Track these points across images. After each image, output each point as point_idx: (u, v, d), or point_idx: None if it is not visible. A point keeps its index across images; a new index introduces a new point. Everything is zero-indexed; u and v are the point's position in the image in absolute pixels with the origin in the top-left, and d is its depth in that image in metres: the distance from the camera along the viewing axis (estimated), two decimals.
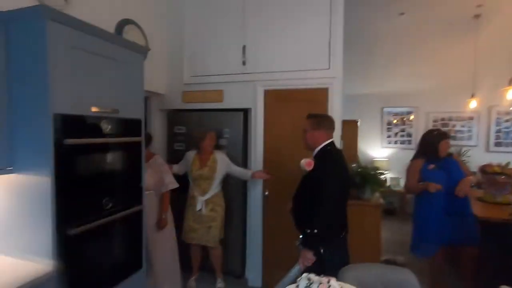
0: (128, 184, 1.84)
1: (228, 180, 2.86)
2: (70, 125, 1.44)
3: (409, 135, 5.52)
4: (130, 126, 1.83)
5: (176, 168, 2.77)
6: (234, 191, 2.89)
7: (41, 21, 1.31)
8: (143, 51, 1.90)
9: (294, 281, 1.84)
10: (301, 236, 1.83)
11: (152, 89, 2.92)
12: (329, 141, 1.91)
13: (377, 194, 3.18)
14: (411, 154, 3.16)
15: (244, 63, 2.77)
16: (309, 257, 1.74)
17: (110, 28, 2.33)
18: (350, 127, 4.40)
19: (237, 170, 2.71)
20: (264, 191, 2.79)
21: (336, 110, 2.56)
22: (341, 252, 1.87)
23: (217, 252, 2.76)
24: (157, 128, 3.16)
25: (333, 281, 0.93)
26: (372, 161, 5.16)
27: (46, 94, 1.32)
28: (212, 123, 2.94)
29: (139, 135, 1.89)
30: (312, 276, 0.97)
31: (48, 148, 1.34)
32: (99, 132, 1.60)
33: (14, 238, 1.46)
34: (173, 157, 3.10)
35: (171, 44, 3.04)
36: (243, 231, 2.95)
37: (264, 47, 2.71)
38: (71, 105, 1.43)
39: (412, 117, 5.48)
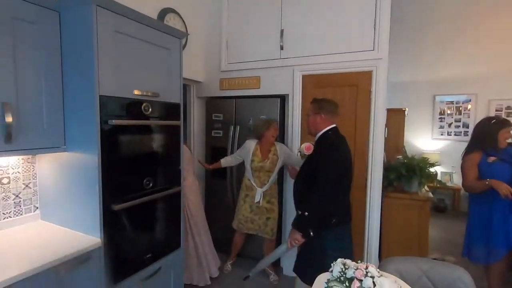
0: (168, 166, 1.91)
1: None
2: (115, 107, 1.52)
3: (466, 125, 4.97)
4: (170, 110, 1.88)
5: (229, 159, 2.74)
6: None
7: (89, 7, 1.38)
8: (182, 35, 1.93)
9: (279, 259, 1.97)
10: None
11: (191, 77, 3.00)
12: (331, 126, 1.85)
13: (425, 188, 2.93)
14: None
15: (282, 47, 2.70)
16: (297, 237, 1.73)
17: (153, 16, 2.41)
18: (397, 116, 4.08)
19: (296, 160, 2.54)
20: None
21: (381, 96, 2.38)
22: (339, 241, 1.78)
23: (272, 244, 2.72)
24: (196, 115, 3.24)
25: (371, 268, 0.85)
26: (421, 154, 4.76)
27: (93, 77, 1.41)
28: (248, 110, 2.93)
29: (178, 119, 1.95)
30: (349, 261, 0.90)
31: (95, 129, 1.43)
32: (141, 115, 1.67)
33: (68, 211, 1.60)
34: (211, 144, 3.17)
35: (210, 32, 3.07)
36: (279, 218, 2.92)
37: (302, 30, 2.60)
38: (115, 88, 1.51)
39: (469, 106, 4.92)
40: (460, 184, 4.79)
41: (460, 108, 5.01)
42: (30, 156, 1.69)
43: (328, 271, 1.60)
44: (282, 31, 2.68)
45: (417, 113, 5.10)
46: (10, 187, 1.61)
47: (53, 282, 1.28)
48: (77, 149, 1.52)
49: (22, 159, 1.66)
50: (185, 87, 3.23)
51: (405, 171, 2.70)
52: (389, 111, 3.44)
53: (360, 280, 0.82)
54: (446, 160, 4.96)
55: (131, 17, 1.57)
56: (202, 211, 2.72)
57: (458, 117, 5.03)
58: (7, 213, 1.60)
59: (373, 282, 0.80)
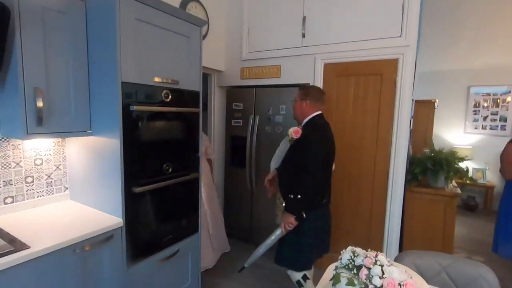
0: (187, 152, 1.96)
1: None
2: (136, 93, 1.57)
3: (503, 119, 4.63)
4: (189, 98, 1.91)
5: (274, 162, 2.19)
6: None
7: None
8: (202, 23, 1.94)
9: (274, 244, 1.93)
10: (284, 204, 1.85)
11: (212, 66, 3.02)
12: (317, 113, 1.91)
13: (453, 184, 2.78)
14: (503, 142, 2.67)
15: (303, 35, 2.63)
16: (291, 221, 1.77)
17: (175, 5, 2.44)
18: (425, 108, 3.88)
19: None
20: None
21: (407, 85, 2.26)
22: (323, 220, 1.94)
23: None
24: (217, 104, 3.27)
25: (381, 256, 0.83)
26: (451, 148, 4.52)
27: (115, 64, 1.46)
28: (268, 99, 2.92)
29: (197, 106, 1.98)
30: (359, 249, 0.88)
31: (117, 114, 1.49)
32: (161, 101, 1.72)
33: (93, 192, 1.70)
34: (231, 133, 3.20)
35: (231, 21, 3.06)
36: None
37: (325, 17, 2.52)
38: (136, 74, 1.55)
39: (509, 98, 4.56)
40: (494, 182, 4.52)
41: (498, 101, 4.66)
42: (60, 140, 1.80)
43: (305, 251, 1.71)
44: (304, 18, 2.61)
45: (448, 105, 4.81)
46: (42, 167, 1.73)
47: (78, 257, 1.37)
48: (101, 134, 1.60)
49: (53, 142, 1.77)
50: (206, 76, 3.26)
51: (431, 164, 2.58)
52: (417, 102, 3.27)
53: (369, 268, 0.80)
54: (479, 155, 4.66)
55: (152, 5, 1.60)
56: (214, 191, 2.75)
57: (495, 110, 4.69)
58: (40, 191, 1.73)
59: (382, 270, 0.78)
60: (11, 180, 1.60)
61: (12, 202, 1.61)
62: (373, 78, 2.38)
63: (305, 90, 1.96)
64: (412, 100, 2.37)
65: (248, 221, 3.18)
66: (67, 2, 1.47)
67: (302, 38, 2.65)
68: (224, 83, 3.20)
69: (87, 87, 1.59)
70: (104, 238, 1.48)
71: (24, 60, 1.33)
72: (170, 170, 1.82)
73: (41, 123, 1.40)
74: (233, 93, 3.17)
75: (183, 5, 2.56)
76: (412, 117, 2.53)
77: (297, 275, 1.91)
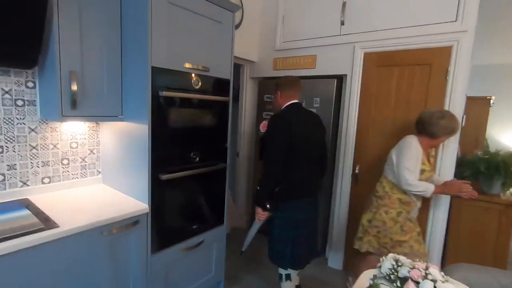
0: (214, 142, 1.91)
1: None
2: (166, 79, 1.54)
3: None
4: (219, 86, 1.86)
5: (415, 173, 1.81)
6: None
7: None
8: (235, 8, 1.86)
9: (254, 237, 1.88)
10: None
11: (245, 56, 2.94)
12: (290, 102, 1.83)
13: (510, 191, 2.44)
14: None
15: (342, 22, 2.45)
16: (259, 212, 1.78)
17: None
18: (478, 105, 3.46)
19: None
20: (354, 168, 2.50)
21: (460, 77, 2.00)
22: (297, 211, 1.79)
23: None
24: (248, 96, 3.20)
25: (434, 269, 0.69)
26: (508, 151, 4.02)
27: (146, 48, 1.44)
28: (302, 91, 2.76)
29: (227, 95, 1.92)
30: (403, 258, 0.75)
31: (146, 99, 1.47)
32: (190, 88, 1.68)
33: (123, 177, 1.72)
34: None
35: (266, 9, 2.96)
36: (328, 207, 2.77)
37: (367, 1, 2.31)
38: (167, 60, 1.52)
39: None
40: None
41: None
42: (94, 124, 1.84)
43: (279, 244, 1.72)
44: (344, 4, 2.43)
45: (508, 104, 4.27)
46: (77, 151, 1.79)
47: (105, 239, 1.38)
48: (131, 119, 1.60)
49: (88, 126, 1.82)
50: (238, 67, 3.20)
51: (485, 168, 2.27)
52: (469, 99, 2.92)
53: (417, 282, 0.67)
54: None
55: None
56: None
57: None
58: (74, 174, 1.79)
59: (434, 286, 0.65)
60: (49, 161, 1.66)
61: (49, 182, 1.68)
62: (420, 69, 2.14)
63: (276, 81, 1.91)
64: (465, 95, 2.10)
65: None
66: None
67: (340, 26, 2.47)
68: (256, 74, 3.12)
69: (119, 72, 1.60)
70: (130, 223, 1.48)
71: (60, 43, 1.35)
72: (198, 159, 1.78)
73: (75, 106, 1.42)
74: (265, 85, 3.08)
75: None
76: (464, 114, 2.25)
77: (280, 270, 1.90)
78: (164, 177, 1.59)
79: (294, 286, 1.94)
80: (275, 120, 1.75)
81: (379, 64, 2.31)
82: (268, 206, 1.74)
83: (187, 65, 1.64)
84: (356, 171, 2.48)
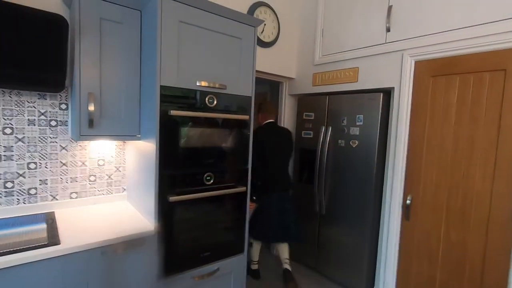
0: (233, 163, 1.79)
1: (356, 180, 2.36)
2: (176, 97, 1.51)
3: None
4: (238, 104, 1.76)
5: None
6: (364, 194, 2.33)
7: None
8: (256, 23, 1.78)
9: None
10: None
11: (283, 73, 2.83)
12: (267, 121, 2.59)
13: None
14: None
15: (388, 29, 2.14)
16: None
17: (243, 11, 2.39)
18: None
19: None
20: (405, 198, 2.08)
21: None
22: (269, 203, 2.47)
23: None
24: (287, 114, 3.05)
25: None
26: None
27: (154, 67, 1.43)
28: (343, 108, 2.50)
29: (247, 113, 1.80)
30: None
31: (155, 118, 1.45)
32: (204, 107, 1.61)
33: (139, 195, 1.72)
34: (300, 146, 2.89)
35: (304, 23, 2.82)
36: (375, 244, 2.35)
37: (417, 2, 1.98)
38: (178, 78, 1.50)
39: None
40: None
41: None
42: (122, 143, 1.92)
43: (256, 224, 2.41)
44: (390, 8, 2.13)
45: None
46: (104, 168, 1.87)
47: (106, 259, 1.36)
48: (145, 138, 1.60)
49: (116, 145, 1.90)
50: (277, 84, 3.09)
51: None
52: None
53: None
54: None
55: (198, 6, 1.53)
56: None
57: None
58: (100, 190, 1.87)
59: None
60: (77, 177, 1.77)
61: (76, 197, 1.78)
62: (491, 76, 1.69)
63: (259, 106, 2.60)
64: None
65: (314, 246, 2.77)
66: (123, 12, 1.55)
67: (386, 33, 2.17)
68: (295, 91, 2.95)
69: (138, 93, 1.64)
70: (134, 245, 1.43)
71: (81, 67, 1.44)
72: (212, 181, 1.68)
73: (92, 126, 1.48)
74: (304, 102, 2.88)
75: (251, 10, 2.48)
76: None
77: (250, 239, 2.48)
78: (172, 198, 1.52)
79: (257, 250, 2.68)
80: (255, 134, 2.02)
81: (434, 73, 1.92)
82: (254, 198, 2.38)
83: (203, 83, 1.58)
84: (408, 202, 2.05)
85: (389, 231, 2.17)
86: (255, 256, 2.70)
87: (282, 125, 3.04)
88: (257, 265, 2.70)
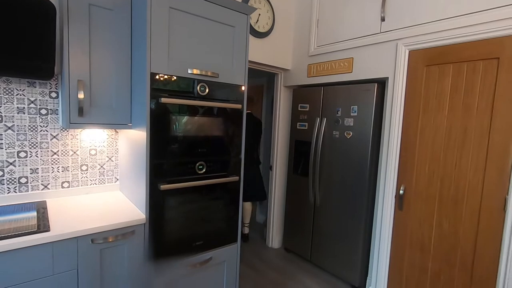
0: (226, 152, 1.79)
1: (350, 171, 2.36)
2: (166, 85, 1.50)
3: None
4: (230, 92, 1.75)
5: None
6: (358, 185, 2.34)
7: None
8: (249, 10, 1.76)
9: None
10: None
11: (278, 64, 2.81)
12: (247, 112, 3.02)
13: None
14: None
15: (383, 18, 2.12)
16: None
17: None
18: None
19: None
20: (398, 188, 2.08)
21: None
22: (250, 176, 3.10)
23: None
24: (282, 106, 3.03)
25: None
26: None
27: (144, 54, 1.41)
28: (337, 99, 2.49)
29: (240, 102, 1.79)
30: None
31: (145, 106, 1.44)
32: (195, 95, 1.60)
33: (131, 185, 1.71)
34: (295, 137, 2.89)
35: (299, 13, 2.79)
36: (369, 235, 2.37)
37: None
38: (169, 66, 1.48)
39: None
40: None
41: None
42: (113, 132, 1.91)
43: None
44: None
45: None
46: (96, 158, 1.86)
47: (95, 248, 1.35)
48: (136, 127, 1.59)
49: (107, 134, 1.89)
50: (272, 76, 3.07)
51: None
52: None
53: None
54: None
55: None
56: None
57: None
58: (93, 180, 1.86)
59: None
60: (68, 166, 1.76)
61: (68, 186, 1.77)
62: (484, 64, 1.68)
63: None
64: None
65: (308, 237, 2.79)
66: None
67: (381, 23, 2.15)
68: (290, 82, 2.94)
69: (129, 81, 1.62)
70: (125, 233, 1.43)
71: (70, 54, 1.43)
72: (204, 170, 1.68)
73: (82, 114, 1.47)
74: (299, 93, 2.86)
75: (246, 0, 2.45)
76: None
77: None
78: (163, 187, 1.51)
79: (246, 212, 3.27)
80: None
81: (428, 62, 1.91)
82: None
83: (195, 71, 1.57)
84: (401, 192, 2.05)
85: (382, 221, 2.18)
86: (246, 218, 3.27)
87: (274, 116, 3.05)
88: (247, 228, 3.29)
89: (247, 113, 2.79)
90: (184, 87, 1.56)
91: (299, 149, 2.87)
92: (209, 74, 1.63)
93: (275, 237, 3.17)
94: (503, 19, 1.59)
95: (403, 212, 2.06)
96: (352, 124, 2.39)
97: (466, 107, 1.75)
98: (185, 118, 1.59)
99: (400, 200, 2.07)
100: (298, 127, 2.87)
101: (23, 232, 1.21)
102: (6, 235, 1.17)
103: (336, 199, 2.52)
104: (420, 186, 1.97)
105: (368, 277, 2.38)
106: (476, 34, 1.69)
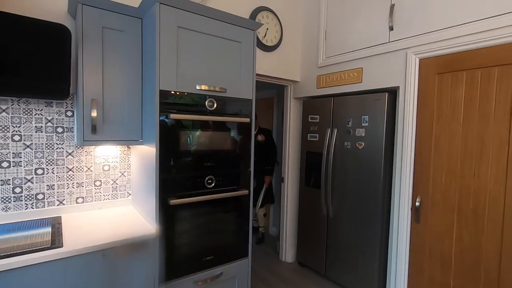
0: (235, 166, 1.79)
1: (364, 183, 2.30)
2: (175, 102, 1.53)
3: None
4: (238, 107, 1.77)
5: None
6: (372, 197, 2.27)
7: (154, 4, 1.45)
8: (255, 26, 1.79)
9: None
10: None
11: (287, 76, 2.82)
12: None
13: None
14: None
15: (391, 28, 2.11)
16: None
17: (245, 17, 2.41)
18: None
19: None
20: (414, 200, 2.01)
21: None
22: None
23: None
24: (292, 117, 3.03)
25: None
26: None
27: (154, 72, 1.46)
28: (347, 109, 2.46)
29: (248, 116, 1.80)
30: None
31: (154, 122, 1.47)
32: (204, 110, 1.63)
33: (142, 200, 1.74)
34: (307, 149, 2.86)
35: (307, 26, 2.82)
36: (385, 248, 2.28)
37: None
38: (177, 82, 1.52)
39: None
40: None
41: None
42: (126, 148, 1.96)
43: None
44: (392, 7, 2.10)
45: None
46: (109, 173, 1.91)
47: (107, 262, 1.37)
48: (147, 142, 1.62)
49: (120, 150, 1.94)
50: (282, 88, 3.09)
51: None
52: None
53: None
54: None
55: (196, 12, 1.55)
56: None
57: None
58: (106, 195, 1.90)
59: None
60: (83, 182, 1.81)
61: (83, 202, 1.82)
62: (500, 70, 1.63)
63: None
64: None
65: (322, 251, 2.71)
66: (124, 21, 1.59)
67: (389, 32, 2.13)
68: (300, 94, 2.94)
69: (139, 98, 1.67)
70: (136, 248, 1.44)
71: (84, 75, 1.49)
72: (213, 184, 1.68)
73: (95, 131, 1.52)
74: (309, 104, 2.85)
75: (253, 15, 2.50)
76: None
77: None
78: (173, 202, 1.53)
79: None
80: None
81: (440, 70, 1.87)
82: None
83: (203, 87, 1.60)
84: (417, 203, 1.97)
85: (398, 235, 2.09)
86: (260, 222, 3.64)
87: (285, 128, 3.05)
88: (260, 229, 3.67)
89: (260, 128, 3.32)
90: (192, 102, 1.59)
91: (311, 160, 2.84)
92: (217, 89, 1.65)
93: (288, 251, 3.10)
94: None
95: (420, 225, 1.98)
96: (363, 135, 2.35)
97: (483, 114, 1.69)
98: (193, 133, 1.61)
99: (416, 213, 1.99)
100: (309, 138, 2.85)
101: (38, 248, 1.24)
102: (21, 251, 1.21)
103: (350, 211, 2.45)
104: (437, 198, 1.89)
105: None
106: (489, 40, 1.64)
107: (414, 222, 2.01)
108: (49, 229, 1.48)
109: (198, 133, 1.63)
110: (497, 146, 1.63)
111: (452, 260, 1.83)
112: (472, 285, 1.75)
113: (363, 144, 2.35)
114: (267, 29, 2.60)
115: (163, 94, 1.48)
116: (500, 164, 1.63)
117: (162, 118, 1.48)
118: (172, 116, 1.49)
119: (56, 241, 1.33)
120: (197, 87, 1.58)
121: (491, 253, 1.67)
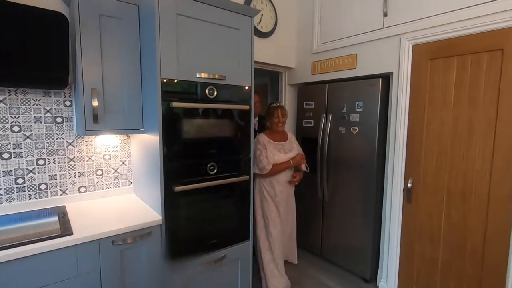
0: (236, 153, 1.83)
1: (358, 167, 2.39)
2: (176, 90, 1.54)
3: None
4: (238, 94, 1.79)
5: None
6: (366, 180, 2.37)
7: None
8: (253, 13, 1.79)
9: None
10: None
11: (282, 63, 2.84)
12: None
13: None
14: None
15: (385, 14, 2.14)
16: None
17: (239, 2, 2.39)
18: None
19: None
20: (406, 182, 2.11)
21: None
22: None
23: None
24: (287, 104, 3.06)
25: None
26: None
27: (155, 61, 1.46)
28: (342, 95, 2.51)
29: (247, 103, 1.83)
30: None
31: (157, 111, 1.48)
32: (204, 98, 1.64)
33: (146, 187, 1.77)
34: (303, 134, 2.92)
35: (301, 12, 2.81)
36: (378, 229, 2.40)
37: None
38: (178, 71, 1.52)
39: None
40: None
41: None
42: (125, 137, 1.96)
43: None
44: None
45: None
46: (110, 162, 1.92)
47: (116, 249, 1.41)
48: (149, 131, 1.64)
49: (120, 139, 1.95)
50: (277, 75, 3.10)
51: None
52: None
53: None
54: None
55: None
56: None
57: None
58: (108, 184, 1.92)
59: None
60: (84, 172, 1.82)
61: (85, 191, 1.83)
62: (489, 56, 1.70)
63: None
64: None
65: (318, 233, 2.83)
66: (121, 8, 1.57)
67: (383, 18, 2.17)
68: (294, 80, 2.97)
69: (139, 87, 1.67)
70: (143, 234, 1.49)
71: (83, 63, 1.48)
72: (216, 170, 1.72)
73: (97, 121, 1.52)
74: (304, 91, 2.89)
75: (248, 1, 2.48)
76: None
77: None
78: (178, 188, 1.56)
79: None
80: None
81: (432, 56, 1.92)
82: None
83: (203, 75, 1.61)
84: (409, 185, 2.08)
85: (391, 215, 2.21)
86: None
87: None
88: None
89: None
90: (193, 90, 1.61)
91: (307, 145, 2.89)
92: (216, 77, 1.67)
93: None
94: (506, 10, 1.60)
95: (412, 205, 2.09)
96: (358, 120, 2.41)
97: (472, 99, 1.77)
98: (195, 121, 1.64)
99: (408, 193, 2.09)
100: (304, 125, 2.90)
101: (48, 236, 1.27)
102: (33, 239, 1.24)
103: (345, 195, 2.55)
104: (428, 179, 1.99)
105: (379, 270, 2.41)
106: (479, 26, 1.70)
107: (406, 203, 2.12)
108: (55, 218, 1.50)
109: (199, 120, 1.65)
110: (484, 129, 1.73)
111: (441, 237, 1.95)
112: (459, 260, 1.88)
113: (357, 129, 2.42)
114: (262, 15, 2.58)
115: (164, 82, 1.49)
116: (487, 146, 1.72)
117: (164, 106, 1.49)
118: (174, 104, 1.51)
119: (65, 229, 1.36)
120: (197, 75, 1.59)
121: (477, 230, 1.79)
